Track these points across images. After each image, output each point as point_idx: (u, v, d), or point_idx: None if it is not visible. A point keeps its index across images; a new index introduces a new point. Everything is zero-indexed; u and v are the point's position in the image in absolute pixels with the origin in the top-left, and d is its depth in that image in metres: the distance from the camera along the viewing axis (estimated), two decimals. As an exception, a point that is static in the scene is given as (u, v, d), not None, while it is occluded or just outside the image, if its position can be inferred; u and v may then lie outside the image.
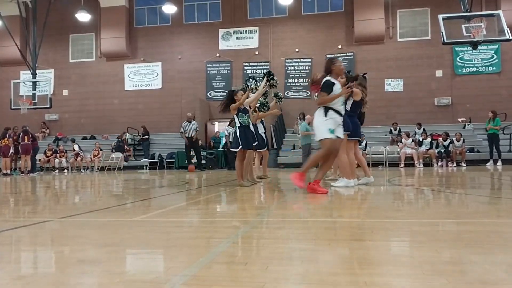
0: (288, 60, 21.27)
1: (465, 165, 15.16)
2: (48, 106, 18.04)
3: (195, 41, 22.25)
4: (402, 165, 15.68)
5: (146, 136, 20.32)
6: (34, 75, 17.82)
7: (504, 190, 5.81)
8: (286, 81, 21.19)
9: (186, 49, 22.26)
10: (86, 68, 23.06)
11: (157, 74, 22.44)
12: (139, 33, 22.79)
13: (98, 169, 18.43)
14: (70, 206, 5.33)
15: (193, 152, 16.16)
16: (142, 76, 22.57)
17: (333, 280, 1.69)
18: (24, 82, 20.00)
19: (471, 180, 6.68)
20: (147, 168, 19.08)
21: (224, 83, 21.73)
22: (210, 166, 17.07)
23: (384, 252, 2.26)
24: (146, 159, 19.61)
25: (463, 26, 11.99)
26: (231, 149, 7.42)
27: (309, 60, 21.11)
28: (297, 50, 21.17)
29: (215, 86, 21.88)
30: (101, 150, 18.96)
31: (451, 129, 17.10)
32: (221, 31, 21.94)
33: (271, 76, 7.83)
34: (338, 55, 20.76)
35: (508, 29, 11.41)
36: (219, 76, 21.93)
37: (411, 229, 2.96)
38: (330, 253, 2.21)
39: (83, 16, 21.31)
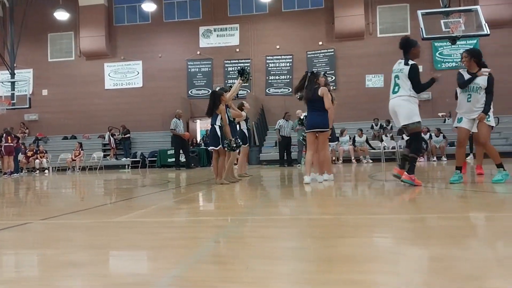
0: (269, 57, 21.28)
1: (445, 159, 15.41)
2: (28, 106, 17.77)
3: (176, 39, 22.10)
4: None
5: (128, 135, 20.10)
6: (12, 75, 17.54)
7: (484, 184, 5.92)
8: (267, 78, 21.22)
9: (166, 47, 22.09)
10: (65, 67, 22.70)
11: (138, 73, 22.23)
12: (118, 32, 22.54)
13: (79, 169, 18.20)
14: (51, 207, 5.25)
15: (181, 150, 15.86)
16: (123, 75, 22.33)
17: (318, 279, 1.70)
18: (2, 82, 19.60)
19: (451, 174, 6.78)
20: (129, 168, 18.91)
21: (205, 81, 21.65)
22: (193, 165, 16.98)
23: (369, 249, 2.28)
24: (127, 158, 19.44)
25: (441, 21, 12.14)
26: (211, 147, 7.29)
27: (290, 57, 21.16)
28: (278, 47, 21.20)
29: (196, 84, 21.78)
30: (82, 150, 18.72)
31: (432, 123, 17.36)
32: (202, 29, 21.84)
33: (246, 73, 7.88)
34: (319, 51, 20.87)
35: (486, 24, 11.59)
36: (200, 74, 21.84)
37: (395, 225, 3.00)
38: (315, 251, 2.22)
39: (61, 15, 20.96)
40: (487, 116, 5.65)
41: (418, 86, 5.46)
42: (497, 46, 18.04)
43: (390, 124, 18.43)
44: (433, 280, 1.63)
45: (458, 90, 6.13)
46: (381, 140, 17.41)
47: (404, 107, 5.48)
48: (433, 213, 3.62)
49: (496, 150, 5.77)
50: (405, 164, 5.70)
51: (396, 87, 5.61)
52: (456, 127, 5.96)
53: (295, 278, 1.74)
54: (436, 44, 19.37)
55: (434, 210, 3.87)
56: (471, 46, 19.12)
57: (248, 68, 8.32)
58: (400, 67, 5.59)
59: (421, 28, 11.92)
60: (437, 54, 19.70)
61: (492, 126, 5.83)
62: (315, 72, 6.97)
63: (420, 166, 11.76)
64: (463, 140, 5.94)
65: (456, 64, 19.36)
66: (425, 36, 12.01)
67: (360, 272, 1.78)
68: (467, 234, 2.66)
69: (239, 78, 7.84)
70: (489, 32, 11.60)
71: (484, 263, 1.89)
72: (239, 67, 8.16)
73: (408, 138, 5.99)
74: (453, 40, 12.21)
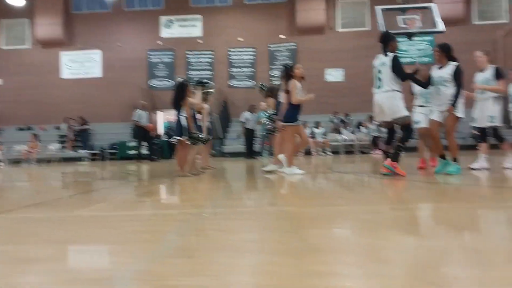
0: (232, 50, 21.20)
1: (403, 152, 15.88)
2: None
3: (136, 29, 21.64)
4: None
5: (86, 127, 19.59)
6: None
7: (439, 175, 6.17)
8: (229, 70, 21.15)
9: (127, 37, 21.60)
10: (20, 55, 21.82)
11: (97, 62, 21.64)
12: (76, 20, 21.83)
13: (35, 161, 17.59)
14: (7, 200, 5.06)
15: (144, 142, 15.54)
16: (81, 64, 21.68)
17: (280, 271, 1.73)
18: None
19: (408, 167, 7.02)
20: (88, 160, 18.45)
21: (167, 72, 21.34)
22: (155, 157, 16.74)
23: (330, 240, 2.34)
24: (85, 150, 18.95)
25: (399, 17, 12.44)
26: (174, 138, 7.19)
27: (253, 49, 21.16)
28: (240, 39, 21.14)
29: (157, 74, 21.44)
30: (38, 141, 18.08)
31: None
32: (163, 19, 21.48)
33: (205, 85, 7.85)
34: (281, 45, 20.97)
35: (441, 21, 11.96)
36: (162, 65, 21.51)
37: (356, 216, 3.08)
38: (278, 243, 2.26)
39: (15, 1, 20.08)
40: (454, 108, 5.82)
41: (402, 74, 5.63)
42: (451, 43, 18.65)
43: (350, 118, 18.85)
44: (392, 270, 1.70)
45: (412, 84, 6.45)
46: (340, 133, 17.81)
47: (389, 103, 5.66)
48: (392, 204, 3.75)
49: (456, 143, 6.00)
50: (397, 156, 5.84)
51: (379, 82, 5.76)
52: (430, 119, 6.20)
53: (258, 271, 1.77)
54: (394, 39, 19.86)
55: (393, 200, 4.01)
56: (427, 43, 19.79)
57: (207, 81, 8.16)
58: (382, 61, 5.76)
59: (380, 24, 12.17)
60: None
61: (461, 117, 5.98)
62: (289, 65, 7.05)
63: (378, 159, 12.08)
64: (435, 132, 6.14)
65: (413, 59, 19.94)
66: (383, 31, 12.26)
67: (322, 263, 1.82)
68: (424, 224, 2.78)
69: (200, 88, 7.74)
70: (444, 29, 11.99)
71: (442, 252, 1.98)
72: (197, 79, 8.06)
73: (387, 133, 6.18)
74: (410, 36, 12.55)
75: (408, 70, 5.83)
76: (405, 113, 5.71)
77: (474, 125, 6.97)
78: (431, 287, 1.48)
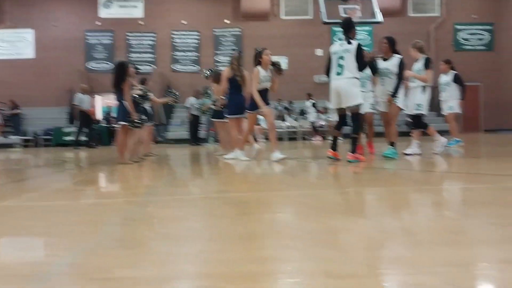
0: (175, 32, 20.74)
1: (341, 139, 16.39)
2: None
3: (73, 7, 20.55)
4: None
5: (17, 111, 18.48)
6: None
7: (377, 160, 6.42)
8: (173, 54, 20.71)
9: (62, 16, 20.46)
10: None
11: (29, 42, 20.39)
12: (5, -5, 20.38)
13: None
14: None
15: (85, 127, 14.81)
16: (11, 44, 20.33)
17: (224, 258, 1.72)
18: None
19: (346, 153, 7.23)
20: (20, 147, 17.48)
21: (106, 54, 20.52)
22: (93, 144, 16.13)
23: (273, 225, 2.36)
24: (17, 136, 17.91)
25: (340, 7, 12.70)
26: (120, 123, 6.92)
27: (197, 33, 20.81)
28: (184, 22, 20.71)
29: (95, 56, 20.56)
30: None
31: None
32: (101, -2, 20.58)
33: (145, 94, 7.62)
34: (226, 30, 20.79)
35: (379, 12, 12.34)
36: (100, 46, 20.64)
37: (298, 200, 3.14)
38: (221, 230, 2.25)
39: None
40: (394, 98, 6.20)
41: (364, 63, 5.73)
42: (388, 33, 19.31)
43: (293, 105, 19.13)
44: (329, 252, 1.73)
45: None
46: (284, 120, 18.07)
47: (350, 90, 5.72)
48: (333, 188, 3.85)
49: (396, 131, 6.48)
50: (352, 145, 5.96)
51: (340, 69, 5.75)
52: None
53: (201, 259, 1.75)
54: (334, 28, 20.24)
55: (334, 185, 4.12)
56: (366, 33, 20.40)
57: (147, 94, 7.85)
58: (345, 48, 5.77)
59: (322, 13, 12.35)
60: (334, 38, 20.63)
61: (402, 108, 6.48)
62: (258, 49, 6.92)
63: (318, 145, 12.38)
64: (385, 121, 6.59)
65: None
66: (325, 20, 12.46)
67: (266, 248, 1.85)
68: (363, 207, 2.87)
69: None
70: (382, 20, 12.40)
71: (380, 234, 2.06)
72: (140, 89, 7.68)
73: (338, 119, 6.28)
74: (351, 25, 12.84)
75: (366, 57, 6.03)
76: (360, 101, 5.84)
77: (406, 113, 7.32)
78: (370, 269, 1.53)
